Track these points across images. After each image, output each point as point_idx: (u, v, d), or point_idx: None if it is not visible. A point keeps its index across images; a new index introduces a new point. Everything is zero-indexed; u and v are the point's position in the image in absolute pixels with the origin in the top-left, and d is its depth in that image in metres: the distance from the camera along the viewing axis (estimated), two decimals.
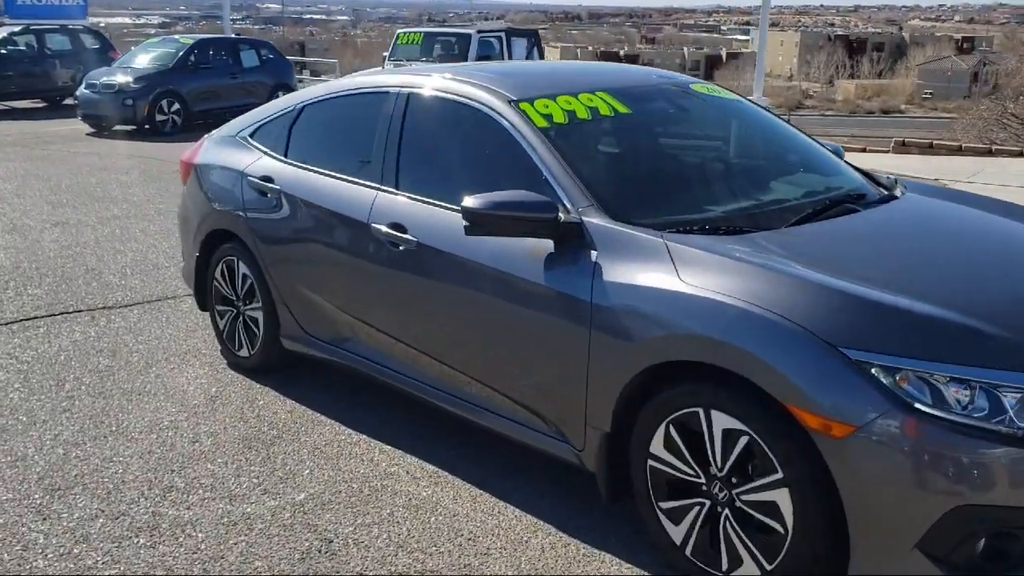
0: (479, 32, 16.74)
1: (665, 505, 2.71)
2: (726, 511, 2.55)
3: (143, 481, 3.34)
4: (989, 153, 11.93)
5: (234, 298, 4.36)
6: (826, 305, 2.42)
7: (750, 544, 2.51)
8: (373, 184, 3.63)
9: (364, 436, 3.71)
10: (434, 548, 2.92)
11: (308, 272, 3.94)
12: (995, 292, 2.65)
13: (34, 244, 6.81)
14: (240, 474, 3.39)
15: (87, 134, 13.87)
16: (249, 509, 3.15)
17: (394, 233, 3.42)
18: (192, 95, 14.42)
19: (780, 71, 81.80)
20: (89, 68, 15.69)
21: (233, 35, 18.50)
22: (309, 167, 3.97)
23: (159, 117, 14.00)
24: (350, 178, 3.75)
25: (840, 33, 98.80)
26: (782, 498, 2.41)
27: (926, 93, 70.29)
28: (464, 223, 2.97)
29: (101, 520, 3.07)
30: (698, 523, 2.63)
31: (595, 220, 2.89)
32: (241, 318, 4.34)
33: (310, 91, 4.30)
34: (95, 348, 4.68)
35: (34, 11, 19.24)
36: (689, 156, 3.68)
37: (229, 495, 3.24)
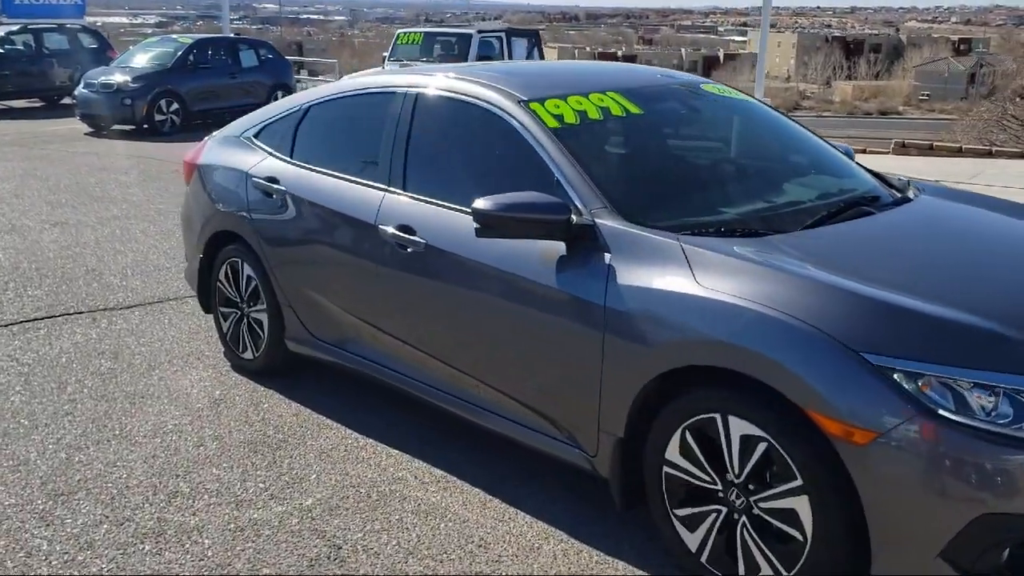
0: (479, 32, 16.70)
1: (680, 512, 2.67)
2: (743, 518, 2.51)
3: (148, 486, 3.29)
4: (989, 155, 11.91)
5: (238, 300, 4.31)
6: (847, 309, 2.39)
7: (768, 552, 2.47)
8: (380, 185, 3.59)
9: (371, 440, 3.66)
10: (444, 555, 2.87)
11: (314, 274, 3.89)
12: (1017, 296, 2.61)
13: (33, 244, 6.76)
14: (246, 479, 3.35)
15: (85, 134, 13.80)
16: (256, 515, 3.10)
17: (402, 235, 3.38)
18: (191, 95, 14.36)
19: (777, 72, 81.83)
20: (87, 67, 15.60)
21: (232, 35, 18.43)
22: (315, 168, 3.92)
23: (158, 117, 13.93)
24: (357, 179, 3.70)
25: (837, 34, 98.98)
26: (801, 505, 2.37)
27: (923, 94, 70.42)
28: (475, 225, 2.93)
29: (105, 526, 3.02)
30: (714, 530, 2.59)
31: (608, 222, 2.85)
32: (245, 320, 4.29)
33: (316, 91, 4.25)
34: (97, 350, 4.64)
35: (31, 10, 19.16)
36: (701, 157, 3.64)
37: (235, 500, 3.19)
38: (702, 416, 2.54)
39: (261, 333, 4.21)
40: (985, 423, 2.17)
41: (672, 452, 2.64)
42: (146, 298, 5.50)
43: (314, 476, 3.37)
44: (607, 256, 2.79)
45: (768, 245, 2.73)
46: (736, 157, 3.73)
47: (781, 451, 2.38)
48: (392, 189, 3.54)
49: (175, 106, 14.14)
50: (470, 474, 3.36)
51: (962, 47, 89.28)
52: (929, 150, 11.75)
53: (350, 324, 3.77)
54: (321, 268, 3.84)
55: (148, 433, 3.71)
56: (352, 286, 3.71)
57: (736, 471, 2.50)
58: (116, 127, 13.91)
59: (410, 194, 3.48)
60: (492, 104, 3.32)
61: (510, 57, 16.46)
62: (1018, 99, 20.72)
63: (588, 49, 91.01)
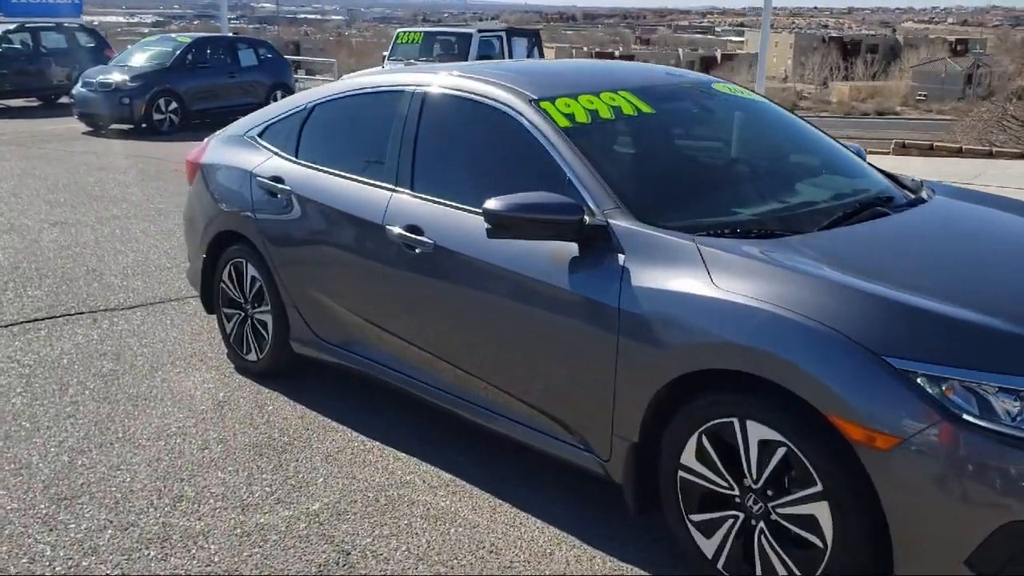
0: (479, 32, 16.67)
1: (696, 518, 2.62)
2: (761, 524, 2.47)
3: (152, 490, 3.24)
4: (989, 155, 11.88)
5: (242, 301, 4.26)
6: (868, 312, 2.34)
7: (786, 558, 2.43)
8: (388, 185, 3.54)
9: (377, 443, 3.62)
10: (455, 561, 2.83)
11: (319, 274, 3.84)
12: None
13: (33, 244, 6.70)
14: (252, 482, 3.30)
15: (83, 133, 13.74)
16: (263, 519, 3.05)
17: (410, 235, 3.33)
18: (190, 94, 14.30)
19: (775, 72, 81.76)
20: (85, 66, 15.53)
21: (231, 34, 18.37)
22: (321, 167, 3.87)
23: (156, 116, 13.87)
24: (363, 179, 3.65)
25: (834, 35, 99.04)
26: (821, 511, 2.33)
27: (920, 95, 70.46)
28: (486, 225, 2.88)
29: (110, 531, 2.97)
30: (731, 536, 2.55)
31: (622, 223, 2.81)
32: (249, 321, 4.24)
33: (321, 90, 4.20)
34: (98, 351, 4.58)
35: (29, 9, 19.12)
36: (714, 157, 3.60)
37: (241, 504, 3.14)
38: (719, 420, 2.50)
39: (265, 334, 4.16)
40: (1011, 428, 2.13)
41: (688, 457, 2.60)
42: (147, 298, 5.45)
43: (321, 480, 3.32)
44: (621, 257, 2.74)
45: (786, 246, 2.68)
46: (749, 157, 3.68)
47: (801, 456, 2.34)
48: (399, 189, 3.49)
49: (174, 105, 14.08)
50: (478, 477, 3.32)
51: (959, 48, 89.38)
52: (929, 150, 11.72)
53: (356, 325, 3.72)
54: (327, 268, 3.80)
55: (151, 436, 3.66)
56: (358, 287, 3.66)
57: (754, 476, 2.46)
58: (114, 126, 13.86)
59: (418, 194, 3.43)
60: (502, 103, 3.28)
61: (510, 57, 16.42)
62: (1018, 99, 20.71)
63: (585, 49, 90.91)
